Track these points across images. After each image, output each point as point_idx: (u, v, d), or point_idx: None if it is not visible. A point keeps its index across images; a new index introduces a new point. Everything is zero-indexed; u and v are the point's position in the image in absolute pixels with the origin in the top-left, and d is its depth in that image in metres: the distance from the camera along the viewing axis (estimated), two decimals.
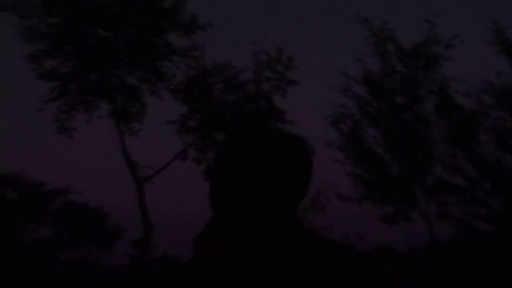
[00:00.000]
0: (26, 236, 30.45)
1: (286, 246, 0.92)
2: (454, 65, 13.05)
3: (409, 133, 13.25)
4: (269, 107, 13.80)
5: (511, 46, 12.93)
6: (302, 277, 0.88)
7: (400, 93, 13.31)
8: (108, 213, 34.90)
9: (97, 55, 11.98)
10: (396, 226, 14.24)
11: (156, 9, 12.08)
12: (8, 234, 28.89)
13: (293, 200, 0.98)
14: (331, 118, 13.76)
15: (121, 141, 12.70)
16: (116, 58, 12.35)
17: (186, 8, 12.36)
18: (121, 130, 12.75)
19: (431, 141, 13.44)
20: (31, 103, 13.13)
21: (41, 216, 30.42)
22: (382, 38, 13.07)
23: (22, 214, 29.11)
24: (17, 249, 28.74)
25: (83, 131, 13.05)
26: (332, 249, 0.93)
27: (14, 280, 27.21)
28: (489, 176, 13.19)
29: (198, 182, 13.57)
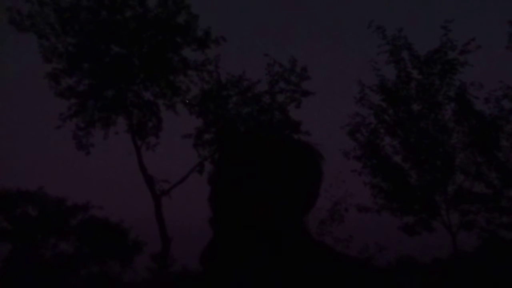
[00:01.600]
0: (48, 251, 30.94)
1: (294, 260, 0.86)
2: (472, 70, 12.81)
3: (427, 140, 12.99)
4: (284, 119, 13.77)
5: None
6: None
7: (416, 101, 13.11)
8: (128, 228, 35.25)
9: (113, 72, 12.20)
10: (417, 237, 13.93)
11: (170, 25, 12.27)
12: (31, 249, 29.38)
13: (300, 210, 0.92)
14: (347, 128, 13.64)
15: (138, 156, 12.83)
16: (132, 74, 12.56)
17: (200, 23, 12.53)
18: (138, 145, 12.90)
19: (450, 149, 13.15)
20: (51, 120, 13.46)
21: (62, 231, 30.88)
22: (397, 46, 12.93)
23: (44, 230, 29.61)
24: (39, 264, 29.16)
25: (101, 147, 13.26)
26: (345, 263, 0.87)
27: None
28: None
29: None
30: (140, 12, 12.08)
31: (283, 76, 13.55)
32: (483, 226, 13.24)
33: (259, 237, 0.88)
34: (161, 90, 13.05)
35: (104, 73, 12.19)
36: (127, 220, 34.14)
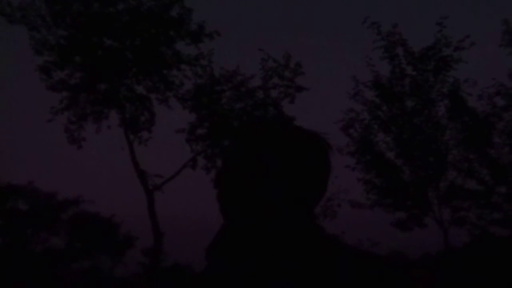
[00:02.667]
0: (38, 246, 30.69)
1: (306, 253, 0.84)
2: (466, 67, 12.87)
3: (420, 137, 13.05)
4: (278, 114, 13.73)
5: None
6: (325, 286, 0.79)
7: (410, 97, 13.15)
8: (119, 222, 35.11)
9: (106, 65, 12.05)
10: (409, 232, 14.03)
11: (163, 19, 12.13)
12: (21, 244, 29.13)
13: (309, 202, 0.90)
14: (341, 123, 13.66)
15: (131, 150, 12.73)
16: (124, 68, 12.42)
17: (193, 17, 12.40)
18: (130, 140, 12.78)
19: (443, 145, 13.23)
20: (42, 113, 13.30)
21: (53, 226, 30.65)
22: (391, 42, 12.93)
23: (34, 224, 29.37)
24: (30, 258, 28.95)
25: (93, 141, 13.14)
26: (358, 256, 0.84)
27: None
28: (504, 179, 12.93)
29: (208, 190, 13.61)
30: (133, 5, 11.92)
31: (277, 71, 13.50)
32: (474, 222, 13.39)
33: (270, 229, 0.86)
34: (154, 84, 12.93)
35: (97, 66, 12.04)
36: (118, 215, 34.03)
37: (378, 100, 13.33)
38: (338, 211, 14.11)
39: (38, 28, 11.72)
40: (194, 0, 12.68)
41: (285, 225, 0.86)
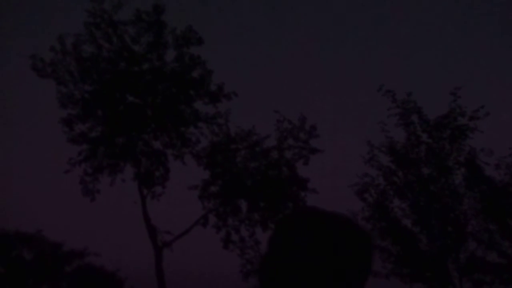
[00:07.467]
0: None
1: None
2: (481, 135, 12.84)
3: (437, 205, 12.74)
4: (292, 175, 13.70)
5: None
6: None
7: (426, 164, 13.01)
8: (124, 278, 34.00)
9: (126, 120, 12.38)
10: None
11: (185, 79, 12.59)
12: None
13: None
14: (356, 187, 13.48)
15: (143, 205, 12.67)
16: (143, 123, 12.72)
17: (213, 77, 12.85)
18: (143, 194, 12.77)
19: (462, 214, 12.85)
20: (53, 164, 13.50)
21: (56, 277, 29.86)
22: (406, 109, 13.08)
23: (37, 275, 28.67)
24: None
25: (105, 193, 13.17)
26: None
27: None
28: None
29: (217, 249, 13.31)
30: (157, 65, 12.46)
31: (292, 132, 13.67)
32: None
33: None
34: (171, 140, 13.15)
35: (117, 120, 12.37)
36: (124, 269, 33.05)
37: (394, 165, 13.23)
38: None
39: (66, 83, 12.25)
40: (213, 60, 13.22)
41: None
